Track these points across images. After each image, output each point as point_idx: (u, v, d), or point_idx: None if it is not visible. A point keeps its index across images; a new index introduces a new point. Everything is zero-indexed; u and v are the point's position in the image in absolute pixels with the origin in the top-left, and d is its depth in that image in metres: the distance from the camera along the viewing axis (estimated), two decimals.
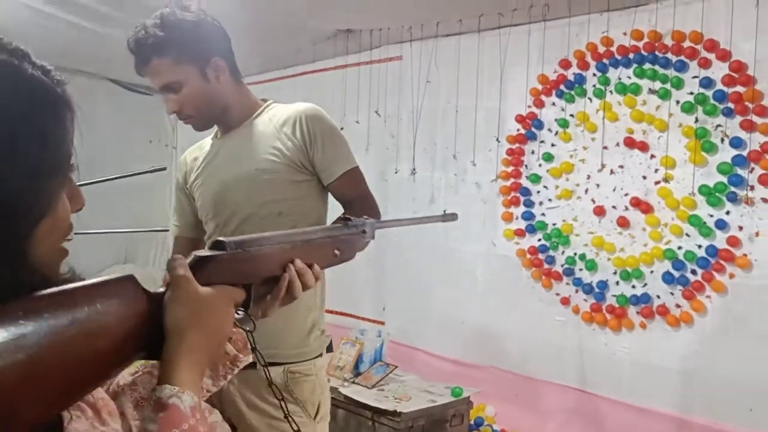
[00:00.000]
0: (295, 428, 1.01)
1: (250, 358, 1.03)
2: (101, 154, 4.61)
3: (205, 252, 0.85)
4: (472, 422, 3.13)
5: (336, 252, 1.07)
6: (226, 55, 1.78)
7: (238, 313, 0.90)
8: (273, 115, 1.83)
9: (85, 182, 1.57)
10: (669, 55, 2.64)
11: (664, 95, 2.65)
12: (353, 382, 3.13)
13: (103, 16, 3.23)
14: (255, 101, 1.88)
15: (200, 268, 0.81)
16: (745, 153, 2.44)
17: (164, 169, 1.86)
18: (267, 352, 1.71)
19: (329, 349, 1.84)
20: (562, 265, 2.99)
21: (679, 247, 2.62)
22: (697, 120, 2.57)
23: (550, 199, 3.05)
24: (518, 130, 3.15)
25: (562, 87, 2.99)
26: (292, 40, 3.56)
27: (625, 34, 2.76)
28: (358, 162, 1.84)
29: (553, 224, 3.03)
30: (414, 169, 3.54)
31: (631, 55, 2.75)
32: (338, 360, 3.26)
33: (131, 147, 4.90)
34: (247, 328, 0.93)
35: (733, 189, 2.48)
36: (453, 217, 1.53)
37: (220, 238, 0.87)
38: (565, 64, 2.97)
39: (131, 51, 1.72)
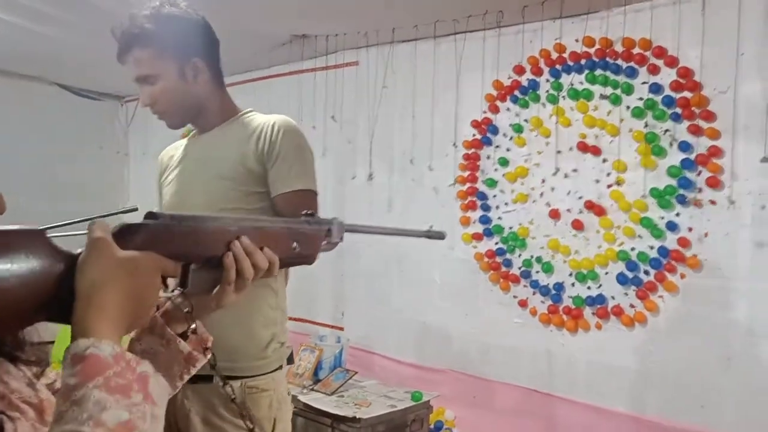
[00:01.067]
0: None
1: (205, 359, 0.97)
2: (50, 161, 4.50)
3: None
4: (432, 426, 3.14)
5: (294, 245, 0.98)
6: (209, 57, 1.77)
7: (174, 292, 0.86)
8: (247, 123, 1.80)
9: (54, 225, 1.52)
10: (619, 62, 2.70)
11: (615, 101, 2.71)
12: (312, 389, 3.11)
13: (50, 19, 3.14)
14: (233, 107, 1.86)
15: (126, 237, 0.76)
16: (692, 156, 2.51)
17: (135, 209, 1.83)
18: (224, 365, 1.68)
19: (290, 360, 1.79)
20: (519, 268, 3.03)
21: (632, 249, 2.68)
22: (646, 125, 2.63)
23: (506, 203, 3.08)
24: (474, 135, 3.18)
25: (516, 92, 3.03)
26: (247, 46, 3.53)
27: (577, 40, 2.82)
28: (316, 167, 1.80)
29: (510, 228, 3.06)
30: (371, 175, 3.54)
31: (583, 62, 2.80)
32: (297, 367, 3.23)
33: (81, 153, 4.79)
34: (185, 309, 0.88)
35: (682, 191, 2.54)
36: (440, 235, 1.33)
37: (155, 210, 0.83)
38: (519, 70, 3.01)
39: (115, 38, 1.70)
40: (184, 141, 1.94)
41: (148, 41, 1.68)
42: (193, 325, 0.93)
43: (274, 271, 0.93)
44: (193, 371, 0.96)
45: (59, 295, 0.69)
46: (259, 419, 1.73)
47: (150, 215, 0.82)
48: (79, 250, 0.72)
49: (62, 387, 0.64)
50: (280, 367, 1.81)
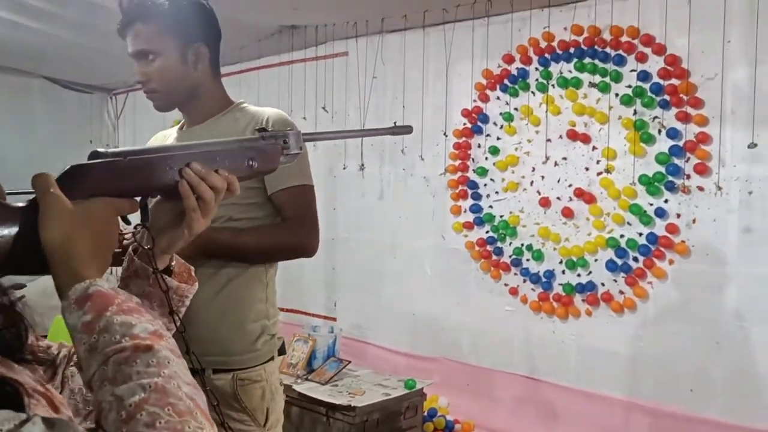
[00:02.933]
0: None
1: (196, 286, 1.00)
2: (40, 154, 4.47)
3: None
4: (425, 414, 3.17)
5: (250, 163, 0.99)
6: (211, 45, 1.75)
7: (136, 228, 0.87)
8: (240, 116, 1.78)
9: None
10: (608, 50, 2.71)
11: (604, 88, 2.72)
12: (306, 379, 3.12)
13: (38, 11, 3.12)
14: (226, 99, 1.83)
15: (74, 180, 0.77)
16: (681, 143, 2.53)
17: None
18: (215, 358, 1.69)
19: (282, 351, 1.81)
20: (510, 256, 3.05)
21: (621, 236, 2.71)
22: (635, 112, 2.65)
23: (497, 192, 3.10)
24: (464, 124, 3.19)
25: (506, 81, 3.04)
26: (236, 37, 3.51)
27: (565, 29, 2.83)
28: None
29: (501, 216, 3.08)
30: (362, 165, 3.55)
31: (571, 50, 2.81)
32: (291, 357, 3.24)
33: (71, 147, 4.75)
34: (146, 246, 0.90)
35: (670, 178, 2.57)
36: (407, 129, 1.35)
37: (99, 149, 0.82)
38: (509, 59, 3.02)
39: (120, 8, 1.68)
40: (173, 131, 1.90)
41: (154, 16, 1.66)
42: (173, 262, 0.97)
43: (235, 190, 0.95)
44: (187, 302, 0.99)
45: (17, 249, 0.72)
46: (252, 410, 1.73)
47: (94, 155, 0.82)
48: (22, 204, 0.75)
49: (78, 327, 0.69)
50: (272, 359, 1.81)
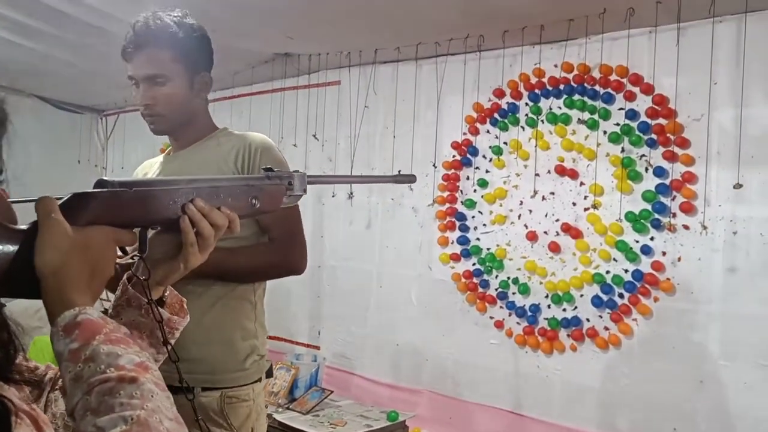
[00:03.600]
0: None
1: (187, 318, 1.00)
2: (27, 173, 4.45)
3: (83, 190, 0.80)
4: None
5: (253, 201, 1.00)
6: (210, 73, 1.83)
7: (132, 259, 0.87)
8: (222, 141, 1.82)
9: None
10: (597, 88, 2.75)
11: (593, 125, 2.76)
12: (288, 408, 3.08)
13: (31, 30, 3.12)
14: (212, 125, 1.88)
15: (76, 207, 0.77)
16: (667, 182, 2.56)
17: None
18: (204, 376, 1.69)
19: (269, 374, 1.81)
20: (496, 289, 3.05)
21: (607, 272, 2.72)
22: (623, 150, 2.68)
23: (484, 224, 3.11)
24: (454, 156, 3.21)
25: (496, 115, 3.07)
26: (230, 63, 3.54)
27: (556, 66, 2.87)
28: None
29: (488, 249, 3.09)
30: (351, 193, 3.55)
31: (561, 87, 2.85)
32: (273, 385, 3.20)
33: (59, 167, 4.73)
34: (142, 276, 0.89)
35: (656, 216, 2.59)
36: (411, 178, 1.36)
37: (104, 178, 0.82)
38: (499, 93, 3.05)
39: (133, 30, 1.71)
40: (160, 158, 1.94)
41: (169, 43, 1.70)
42: (167, 292, 0.97)
43: (235, 229, 0.95)
44: (177, 335, 0.99)
45: (12, 272, 0.71)
46: (238, 428, 1.73)
47: (100, 183, 0.82)
48: (24, 226, 0.75)
49: (65, 354, 0.68)
50: (260, 380, 1.82)
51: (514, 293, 3.00)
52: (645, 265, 2.62)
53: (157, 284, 0.94)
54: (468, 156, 3.17)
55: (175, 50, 1.71)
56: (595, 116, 2.75)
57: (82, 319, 0.70)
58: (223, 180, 0.99)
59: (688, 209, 2.52)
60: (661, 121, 2.58)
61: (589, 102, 2.77)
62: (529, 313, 2.93)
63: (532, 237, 2.94)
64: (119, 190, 0.82)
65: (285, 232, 1.77)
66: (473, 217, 3.15)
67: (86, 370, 0.66)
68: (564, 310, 2.84)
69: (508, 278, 3.01)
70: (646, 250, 2.61)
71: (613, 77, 2.70)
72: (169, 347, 0.92)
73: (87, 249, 0.76)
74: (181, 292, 1.05)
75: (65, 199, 0.77)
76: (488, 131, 3.11)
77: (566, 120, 2.84)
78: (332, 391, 3.21)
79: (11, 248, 0.72)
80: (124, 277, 0.97)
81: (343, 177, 1.19)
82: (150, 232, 0.91)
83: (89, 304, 0.73)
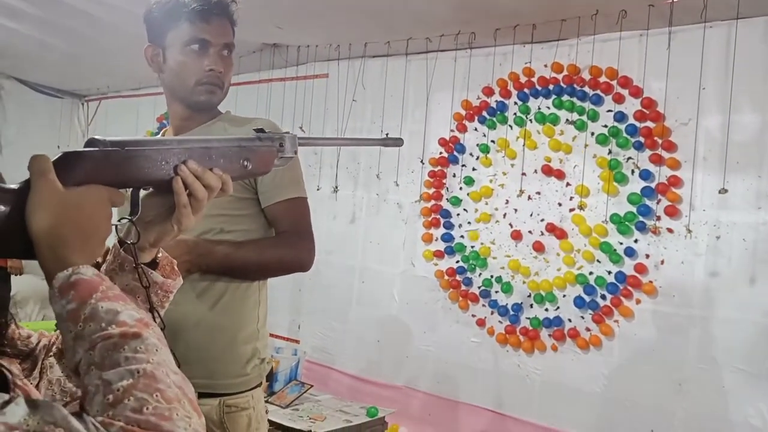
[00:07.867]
0: None
1: (180, 280, 0.99)
2: (2, 160, 4.36)
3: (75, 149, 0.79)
4: None
5: (245, 163, 0.98)
6: None
7: (120, 221, 0.86)
8: (228, 126, 1.75)
9: None
10: (586, 89, 2.76)
11: (581, 126, 2.76)
12: (267, 402, 3.05)
13: (11, 10, 3.05)
14: (217, 108, 1.82)
15: (68, 166, 0.76)
16: (653, 185, 2.57)
17: None
18: (202, 382, 1.60)
19: (269, 377, 1.74)
20: (479, 287, 3.05)
21: (591, 273, 2.73)
22: (610, 152, 2.69)
23: (469, 222, 3.11)
24: (441, 153, 3.20)
25: (484, 113, 3.07)
26: None
27: (546, 66, 2.87)
28: None
29: (472, 247, 3.08)
30: (336, 187, 3.53)
31: (550, 87, 2.85)
32: None
33: (38, 150, 4.64)
34: (130, 240, 0.89)
35: (641, 218, 2.60)
36: (398, 142, 1.34)
37: (96, 137, 0.81)
38: (488, 92, 3.05)
39: None
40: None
41: (233, 18, 1.72)
42: (159, 254, 0.96)
43: (228, 190, 0.94)
44: (171, 297, 0.98)
45: (5, 232, 0.71)
46: None
47: (91, 142, 0.81)
48: (16, 185, 0.73)
49: (64, 315, 0.68)
50: (259, 384, 1.75)
51: (497, 292, 3.00)
52: (628, 267, 2.63)
53: (151, 246, 0.93)
54: (455, 153, 3.16)
55: (233, 25, 1.74)
56: (584, 117, 2.76)
57: (76, 278, 0.69)
58: (215, 141, 0.96)
59: (672, 213, 2.53)
60: (649, 124, 2.59)
61: (578, 103, 2.78)
62: (512, 312, 2.93)
63: (517, 236, 2.94)
64: (111, 149, 0.81)
65: (294, 225, 1.70)
66: (458, 214, 3.14)
67: (87, 329, 0.66)
68: (546, 310, 2.85)
69: (492, 277, 3.01)
70: (630, 252, 2.62)
71: (603, 79, 2.71)
72: (158, 313, 0.90)
73: (80, 208, 0.75)
74: (183, 288, 1.02)
75: (56, 157, 0.76)
76: (476, 129, 3.11)
77: (554, 120, 2.85)
78: (312, 386, 3.19)
79: (3, 208, 0.71)
80: (115, 241, 0.96)
81: (332, 139, 1.21)
82: (141, 193, 0.90)
83: (85, 263, 0.72)
